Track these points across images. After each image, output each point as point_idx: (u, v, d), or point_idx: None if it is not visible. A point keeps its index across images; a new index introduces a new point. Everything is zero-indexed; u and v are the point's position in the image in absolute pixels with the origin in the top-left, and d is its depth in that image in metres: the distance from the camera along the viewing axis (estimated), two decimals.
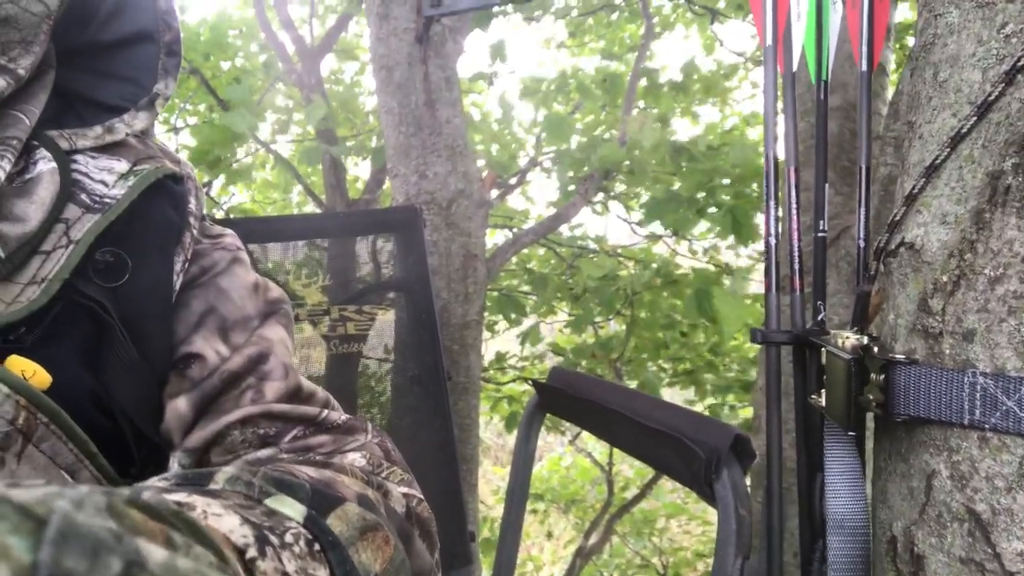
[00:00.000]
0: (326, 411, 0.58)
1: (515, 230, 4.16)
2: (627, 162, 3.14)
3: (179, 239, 0.57)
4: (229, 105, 3.20)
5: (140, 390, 0.53)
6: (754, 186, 2.92)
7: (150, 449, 0.52)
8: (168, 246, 0.56)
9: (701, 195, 2.95)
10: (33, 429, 0.45)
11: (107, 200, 0.52)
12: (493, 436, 7.37)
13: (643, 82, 3.73)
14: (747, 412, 3.52)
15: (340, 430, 0.58)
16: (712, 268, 3.67)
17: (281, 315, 0.61)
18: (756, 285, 3.42)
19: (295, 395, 0.57)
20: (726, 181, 2.88)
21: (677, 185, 3.17)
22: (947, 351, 0.57)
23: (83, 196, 0.51)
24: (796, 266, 0.81)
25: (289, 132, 4.41)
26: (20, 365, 0.46)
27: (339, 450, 0.56)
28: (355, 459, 0.54)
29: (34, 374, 0.45)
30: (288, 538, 0.36)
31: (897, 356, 0.60)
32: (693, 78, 3.79)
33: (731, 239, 3.05)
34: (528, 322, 3.97)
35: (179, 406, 0.54)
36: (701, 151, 3.03)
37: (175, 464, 0.54)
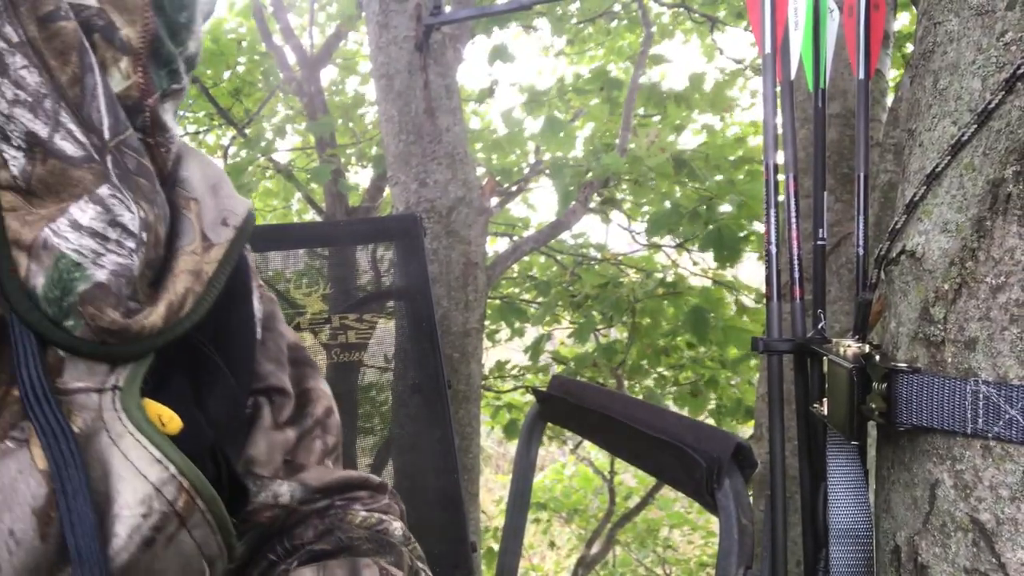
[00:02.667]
0: (371, 476, 0.62)
1: (515, 238, 4.16)
2: (627, 176, 3.15)
3: (253, 270, 0.58)
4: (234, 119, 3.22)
5: (238, 425, 0.52)
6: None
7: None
8: (249, 279, 0.56)
9: (703, 208, 2.95)
10: (190, 514, 0.44)
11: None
12: (494, 444, 7.35)
13: (642, 80, 3.73)
14: (750, 424, 3.51)
15: (385, 491, 0.62)
16: (712, 285, 3.66)
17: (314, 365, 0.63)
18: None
19: (337, 447, 0.61)
20: (725, 208, 2.88)
21: (678, 194, 3.18)
22: (949, 359, 0.56)
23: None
24: (796, 274, 0.80)
25: (287, 139, 4.42)
26: (155, 410, 0.44)
27: (389, 522, 0.59)
28: (397, 529, 0.58)
29: (171, 420, 0.44)
30: None
31: (899, 364, 0.59)
32: (697, 89, 3.79)
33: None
34: (531, 332, 3.96)
35: (288, 436, 0.56)
36: (701, 164, 3.04)
37: (285, 492, 0.55)
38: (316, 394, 0.61)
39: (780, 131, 0.82)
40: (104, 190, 0.42)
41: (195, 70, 0.52)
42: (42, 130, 0.41)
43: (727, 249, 2.76)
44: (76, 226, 0.41)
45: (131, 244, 0.43)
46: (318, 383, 0.62)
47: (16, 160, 0.41)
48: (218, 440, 0.47)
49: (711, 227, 2.84)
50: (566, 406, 1.11)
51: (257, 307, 0.57)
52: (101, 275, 0.41)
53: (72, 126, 0.42)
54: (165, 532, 0.43)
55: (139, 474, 0.42)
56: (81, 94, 0.42)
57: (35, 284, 0.41)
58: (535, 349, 3.77)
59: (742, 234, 2.87)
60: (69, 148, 0.41)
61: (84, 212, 0.41)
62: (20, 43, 0.41)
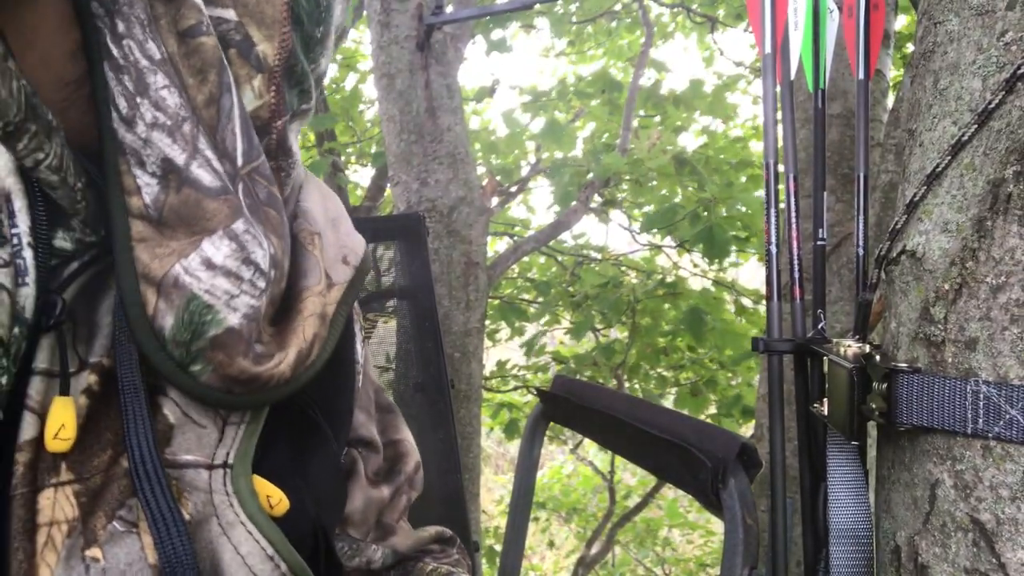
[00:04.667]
0: (444, 529, 0.61)
1: (516, 238, 4.16)
2: (627, 176, 3.16)
3: (357, 312, 0.54)
4: None
5: (338, 488, 0.49)
6: (758, 194, 2.94)
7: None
8: (353, 323, 0.53)
9: (702, 210, 2.96)
10: None
11: None
12: (494, 444, 7.35)
13: (643, 82, 3.73)
14: (750, 424, 3.51)
15: (455, 544, 0.61)
16: (712, 287, 3.66)
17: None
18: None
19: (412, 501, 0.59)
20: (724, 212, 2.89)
21: (679, 196, 3.18)
22: (949, 360, 0.56)
23: None
24: (796, 274, 0.80)
25: None
26: (264, 490, 0.40)
27: (459, 574, 0.57)
28: None
29: (279, 502, 0.41)
30: None
31: (900, 365, 0.59)
32: (697, 93, 3.79)
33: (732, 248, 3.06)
34: (531, 330, 3.97)
35: (383, 494, 0.53)
36: (701, 165, 3.05)
37: (378, 559, 0.53)
38: (405, 447, 0.57)
39: (780, 131, 0.83)
40: (239, 225, 0.38)
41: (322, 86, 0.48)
42: (179, 156, 0.37)
43: (717, 247, 2.77)
44: (209, 264, 0.38)
45: (262, 284, 0.39)
46: (405, 434, 0.58)
47: (150, 187, 0.37)
48: (319, 511, 0.44)
49: (705, 223, 2.85)
50: (569, 406, 1.11)
51: (360, 352, 0.53)
52: (233, 319, 0.38)
53: (210, 153, 0.38)
54: None
55: (250, 573, 0.39)
56: (216, 116, 0.39)
57: (163, 324, 0.37)
58: (530, 344, 3.78)
59: (734, 234, 2.88)
60: (206, 178, 0.38)
61: (218, 249, 0.38)
62: (161, 60, 0.37)
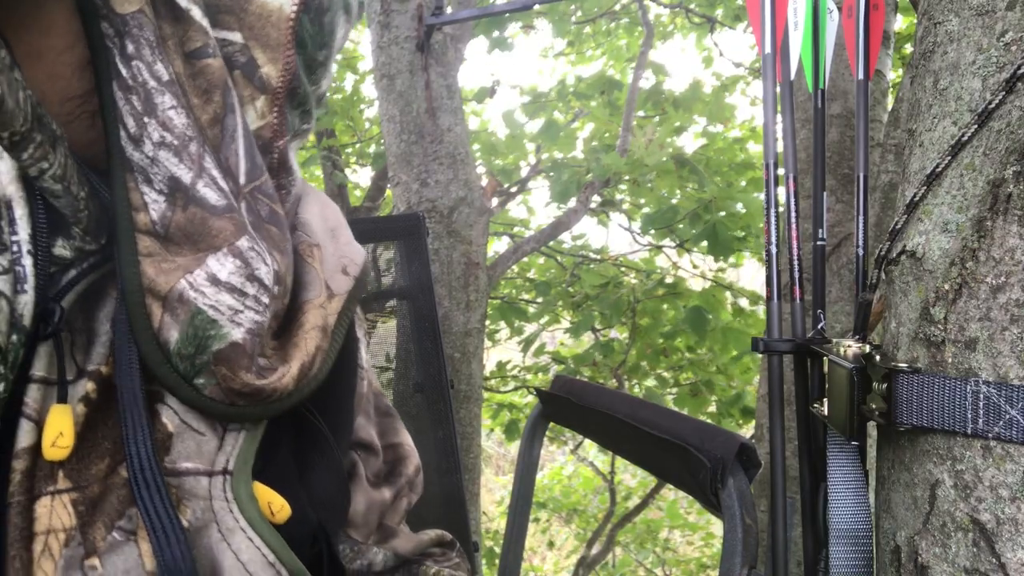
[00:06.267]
0: (445, 532, 0.61)
1: (515, 238, 4.16)
2: (627, 176, 3.16)
3: (360, 318, 0.55)
4: None
5: (340, 494, 0.49)
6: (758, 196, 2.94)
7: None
8: (355, 330, 0.53)
9: (702, 210, 2.97)
10: None
11: None
12: (494, 445, 7.35)
13: (642, 83, 3.73)
14: (749, 424, 3.51)
15: (454, 548, 0.61)
16: (713, 284, 3.67)
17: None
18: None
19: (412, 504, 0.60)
20: (721, 213, 2.90)
21: (678, 196, 3.18)
22: (949, 360, 0.56)
23: None
24: (796, 275, 0.80)
25: None
26: (265, 496, 0.41)
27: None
28: None
29: (281, 509, 0.41)
30: None
31: (900, 365, 0.59)
32: (697, 95, 3.79)
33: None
34: (529, 329, 3.97)
35: (384, 496, 0.54)
36: (701, 166, 3.05)
37: (379, 561, 0.53)
38: (405, 451, 0.58)
39: (780, 131, 0.83)
40: (244, 242, 0.39)
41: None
42: (186, 176, 0.38)
43: (721, 244, 2.78)
44: (214, 280, 0.38)
45: (266, 300, 0.40)
46: (404, 437, 0.59)
47: (157, 204, 0.38)
48: (321, 517, 0.45)
49: (706, 223, 2.86)
50: (569, 406, 1.11)
51: (365, 358, 0.54)
52: (237, 334, 0.39)
53: (215, 172, 0.39)
54: None
55: None
56: (220, 135, 0.40)
57: (168, 338, 0.38)
58: (528, 341, 3.78)
59: (738, 234, 2.89)
60: (212, 196, 0.39)
61: (223, 266, 0.39)
62: (169, 81, 0.38)
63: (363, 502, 0.52)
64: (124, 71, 0.37)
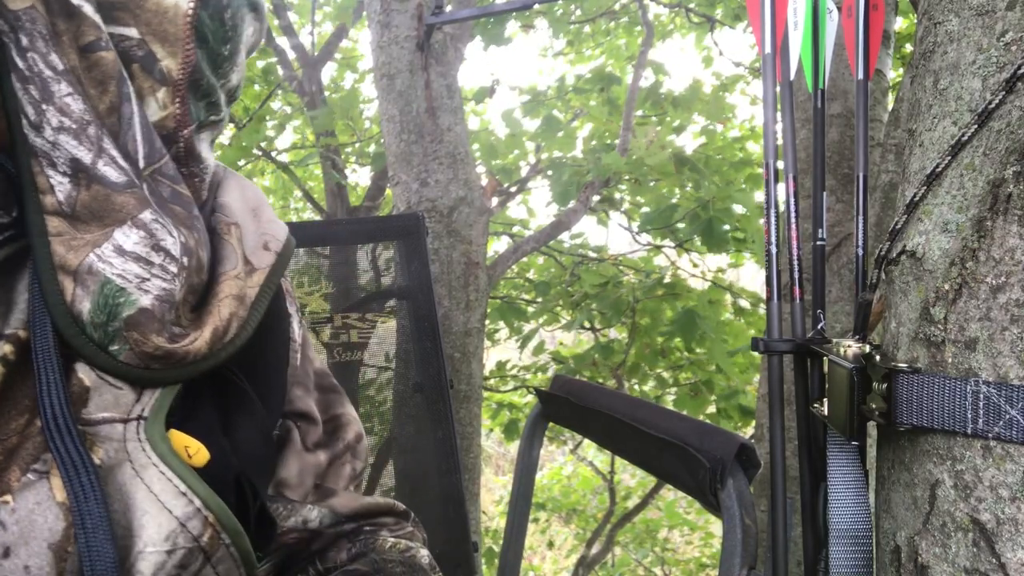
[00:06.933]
0: (396, 503, 0.63)
1: (515, 238, 4.16)
2: (627, 176, 3.16)
3: (292, 295, 0.58)
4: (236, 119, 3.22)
5: (267, 455, 0.51)
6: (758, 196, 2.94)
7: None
8: (286, 305, 0.56)
9: (701, 209, 2.97)
10: (215, 549, 0.43)
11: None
12: (494, 445, 7.35)
13: (642, 83, 3.73)
14: (749, 424, 3.51)
15: (408, 518, 0.63)
16: (712, 285, 3.67)
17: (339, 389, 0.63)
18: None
19: (364, 473, 0.62)
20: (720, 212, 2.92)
21: (677, 195, 3.18)
22: (949, 360, 0.56)
23: None
24: (796, 275, 0.80)
25: (286, 139, 4.43)
26: (182, 441, 0.43)
27: (416, 549, 0.60)
28: (424, 556, 0.59)
29: (197, 452, 0.43)
30: None
31: (900, 365, 0.59)
32: (697, 94, 3.79)
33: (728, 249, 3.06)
34: (528, 327, 3.97)
35: (319, 459, 0.56)
36: (702, 161, 3.05)
37: (314, 518, 0.55)
38: (346, 419, 0.61)
39: (780, 131, 0.83)
40: (147, 215, 0.42)
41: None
42: (86, 156, 0.41)
43: (715, 239, 2.80)
44: (120, 251, 0.41)
45: (173, 268, 0.43)
46: (347, 409, 0.62)
47: (62, 186, 0.41)
48: (246, 470, 0.47)
49: (703, 218, 2.87)
50: (568, 406, 1.11)
51: (298, 332, 0.57)
52: (146, 300, 0.41)
53: (114, 152, 0.42)
54: (190, 569, 0.42)
55: (163, 508, 0.41)
56: (118, 123, 0.42)
57: (81, 309, 0.41)
58: (525, 339, 3.78)
59: (731, 230, 2.90)
60: (112, 174, 0.41)
61: (128, 237, 0.41)
62: (64, 71, 0.41)
63: (296, 465, 0.55)
64: (20, 63, 0.40)
